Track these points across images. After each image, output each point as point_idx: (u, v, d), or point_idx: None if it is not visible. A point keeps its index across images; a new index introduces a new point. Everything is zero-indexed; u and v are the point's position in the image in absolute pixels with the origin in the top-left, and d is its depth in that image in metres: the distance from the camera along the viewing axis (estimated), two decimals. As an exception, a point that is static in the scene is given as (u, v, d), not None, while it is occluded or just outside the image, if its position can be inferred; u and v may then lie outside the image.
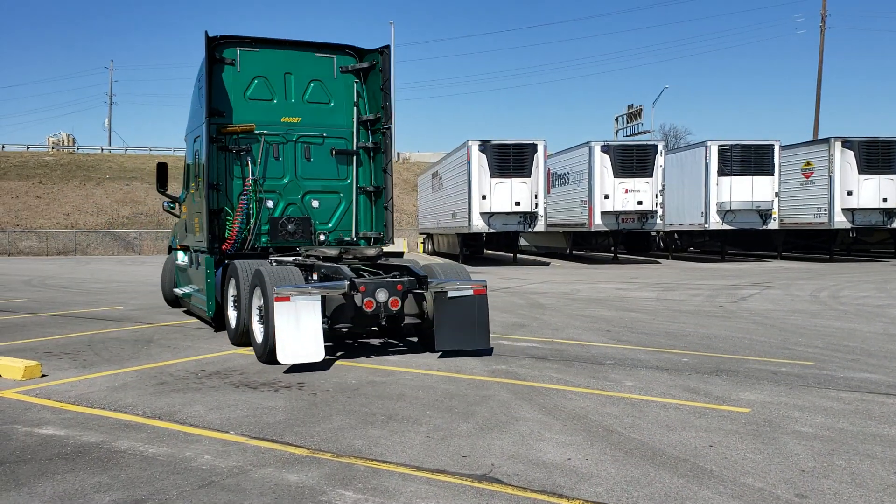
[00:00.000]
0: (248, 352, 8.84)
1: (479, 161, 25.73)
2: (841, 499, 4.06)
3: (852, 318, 11.87)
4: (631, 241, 35.05)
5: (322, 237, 11.11)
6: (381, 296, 8.34)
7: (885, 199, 26.97)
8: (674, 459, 4.72)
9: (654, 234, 33.80)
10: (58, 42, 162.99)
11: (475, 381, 7.12)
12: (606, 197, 26.95)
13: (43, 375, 7.41)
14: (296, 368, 7.72)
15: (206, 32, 10.31)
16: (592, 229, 27.91)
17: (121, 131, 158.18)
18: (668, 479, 4.36)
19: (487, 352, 8.71)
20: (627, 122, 57.98)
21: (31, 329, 11.00)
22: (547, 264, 29.14)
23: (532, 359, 8.29)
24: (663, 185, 27.14)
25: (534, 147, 26.05)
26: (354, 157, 11.24)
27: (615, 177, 26.98)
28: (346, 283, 8.30)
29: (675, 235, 33.00)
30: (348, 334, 10.02)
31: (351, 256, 9.81)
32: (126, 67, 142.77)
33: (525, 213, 26.07)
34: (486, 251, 34.05)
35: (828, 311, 12.85)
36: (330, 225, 11.21)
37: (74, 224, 45.81)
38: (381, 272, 9.26)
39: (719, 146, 27.66)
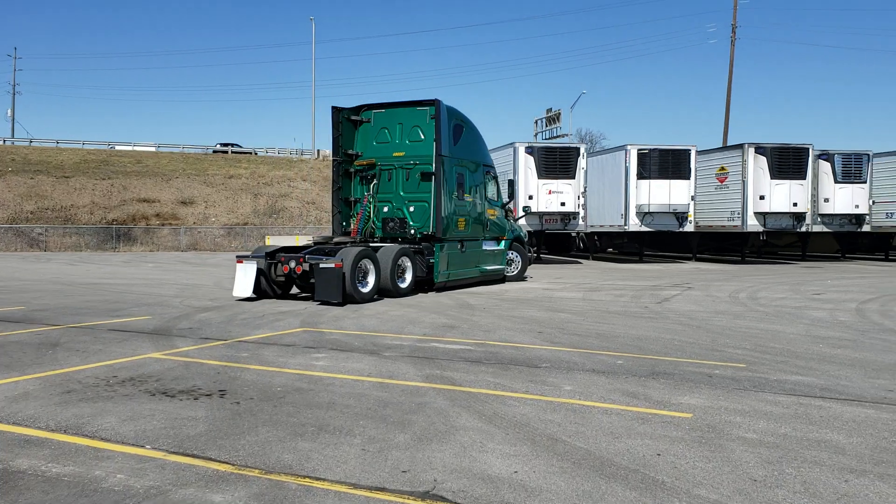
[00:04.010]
0: (163, 356, 8.29)
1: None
2: (797, 510, 3.94)
3: (773, 319, 12.10)
4: (552, 241, 35.30)
5: (412, 231, 16.11)
6: (292, 264, 13.93)
7: (795, 204, 27.94)
8: (623, 470, 4.53)
9: (574, 234, 34.15)
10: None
11: (409, 388, 6.81)
12: (531, 198, 26.99)
13: (-69, 384, 6.71)
14: (216, 375, 7.25)
15: (332, 106, 16.65)
16: (516, 230, 27.90)
17: (25, 122, 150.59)
18: (622, 493, 4.16)
19: (339, 303, 13.19)
20: (546, 126, 58.33)
21: (-81, 332, 10.07)
22: (470, 264, 28.99)
23: (466, 362, 8.03)
24: (585, 187, 27.44)
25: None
26: (434, 177, 15.81)
27: (539, 178, 27.09)
28: (265, 255, 14.23)
29: (595, 236, 33.43)
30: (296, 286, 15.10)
31: (332, 243, 15.26)
32: (31, 56, 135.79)
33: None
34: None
35: (749, 312, 13.09)
36: (419, 223, 16.16)
37: (-28, 218, 43.09)
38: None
39: (638, 150, 28.07)
